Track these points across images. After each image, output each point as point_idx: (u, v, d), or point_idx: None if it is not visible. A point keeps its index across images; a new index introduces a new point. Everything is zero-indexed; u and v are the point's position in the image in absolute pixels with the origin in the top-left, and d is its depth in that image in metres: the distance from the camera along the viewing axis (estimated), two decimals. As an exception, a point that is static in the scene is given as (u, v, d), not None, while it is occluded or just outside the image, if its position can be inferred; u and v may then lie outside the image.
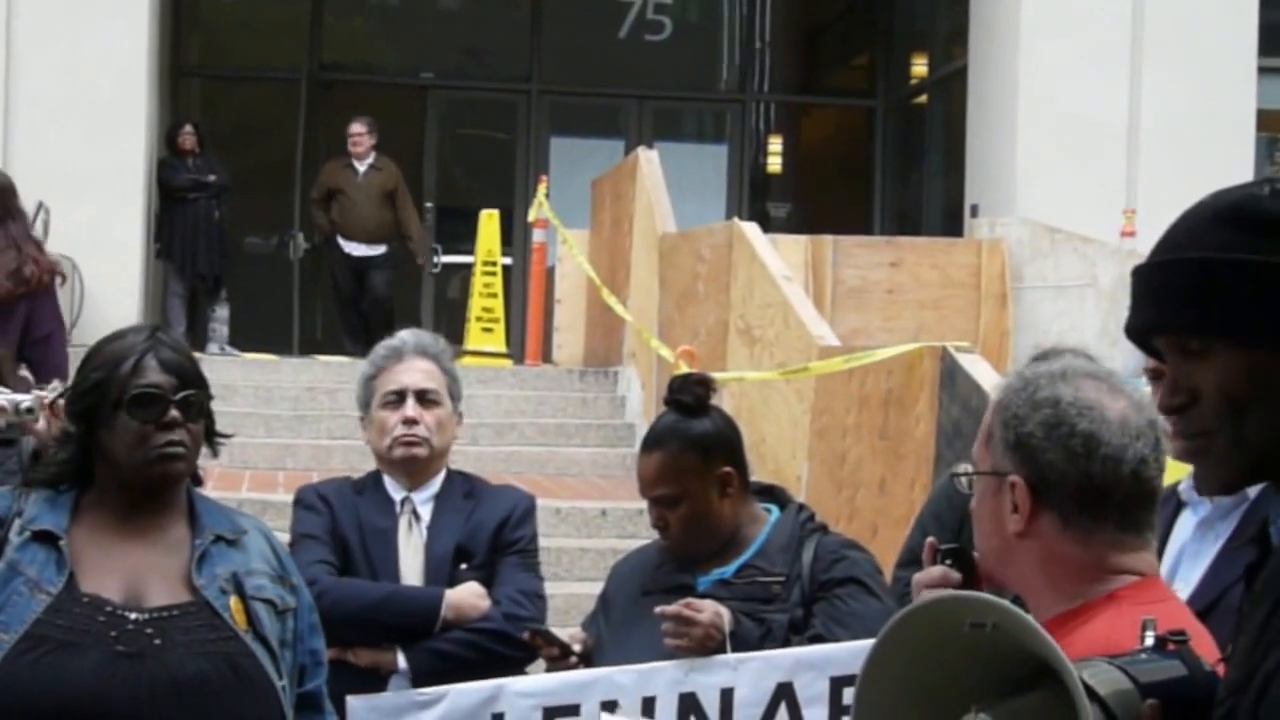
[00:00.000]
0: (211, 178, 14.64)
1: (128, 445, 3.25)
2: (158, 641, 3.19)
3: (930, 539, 2.66)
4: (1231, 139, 14.00)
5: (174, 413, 3.25)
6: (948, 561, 2.57)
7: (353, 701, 3.81)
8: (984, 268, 13.31)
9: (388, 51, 19.33)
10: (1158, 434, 2.51)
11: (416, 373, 4.53)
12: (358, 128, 14.76)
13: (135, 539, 3.30)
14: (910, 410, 7.94)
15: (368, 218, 14.73)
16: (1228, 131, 14.03)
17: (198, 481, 3.52)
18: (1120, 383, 2.58)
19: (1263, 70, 14.36)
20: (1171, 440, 2.22)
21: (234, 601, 3.29)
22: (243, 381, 12.00)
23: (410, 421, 4.47)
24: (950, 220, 16.12)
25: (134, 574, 3.27)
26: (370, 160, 14.73)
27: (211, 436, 3.40)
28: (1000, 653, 1.96)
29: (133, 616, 3.21)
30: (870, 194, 18.90)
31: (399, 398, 4.50)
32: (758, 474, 4.91)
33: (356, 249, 14.85)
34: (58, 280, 7.47)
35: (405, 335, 4.67)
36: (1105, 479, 2.45)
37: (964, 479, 2.60)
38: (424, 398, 4.50)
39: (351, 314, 15.11)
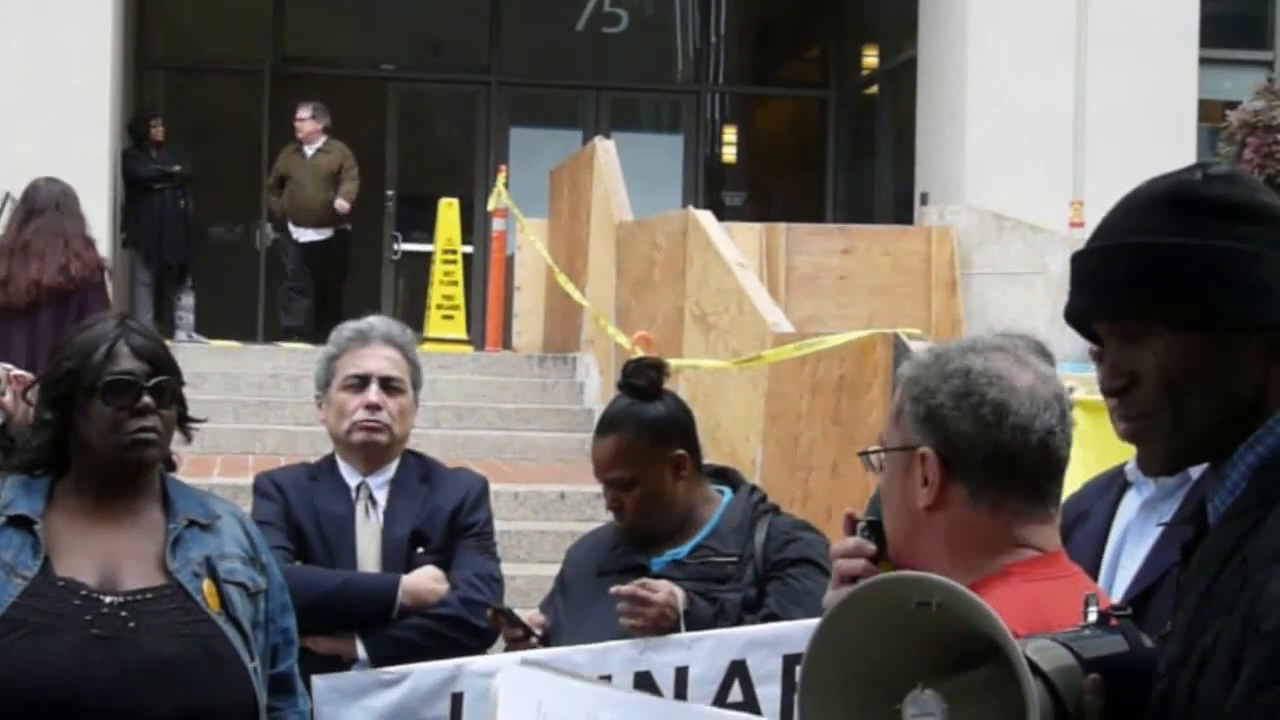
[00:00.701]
0: (177, 168, 14.76)
1: (101, 431, 3.26)
2: (132, 625, 3.20)
3: (848, 510, 2.69)
4: (1175, 130, 14.10)
5: (147, 399, 3.27)
6: (865, 533, 2.58)
7: (318, 681, 3.81)
8: (934, 255, 13.44)
9: (349, 44, 19.38)
10: (1064, 406, 2.53)
11: (382, 359, 4.47)
12: (302, 112, 14.66)
13: (110, 523, 3.31)
14: (863, 396, 7.90)
15: (313, 201, 14.57)
16: (1171, 122, 14.13)
17: (171, 466, 3.52)
18: (1026, 354, 2.58)
19: (1204, 61, 14.53)
20: (1114, 422, 2.18)
21: (207, 585, 3.30)
22: (209, 368, 11.98)
23: (373, 407, 4.41)
24: (901, 208, 16.23)
25: (109, 558, 3.28)
26: (319, 144, 14.60)
27: (184, 422, 3.43)
28: (946, 630, 1.95)
29: (108, 600, 3.22)
30: (823, 183, 19.07)
31: (361, 382, 4.44)
32: (713, 458, 5.00)
33: (304, 234, 14.73)
34: (106, 275, 8.16)
35: (374, 321, 4.61)
36: (1014, 447, 2.46)
37: (873, 458, 2.59)
38: (388, 384, 4.44)
39: (298, 301, 14.94)
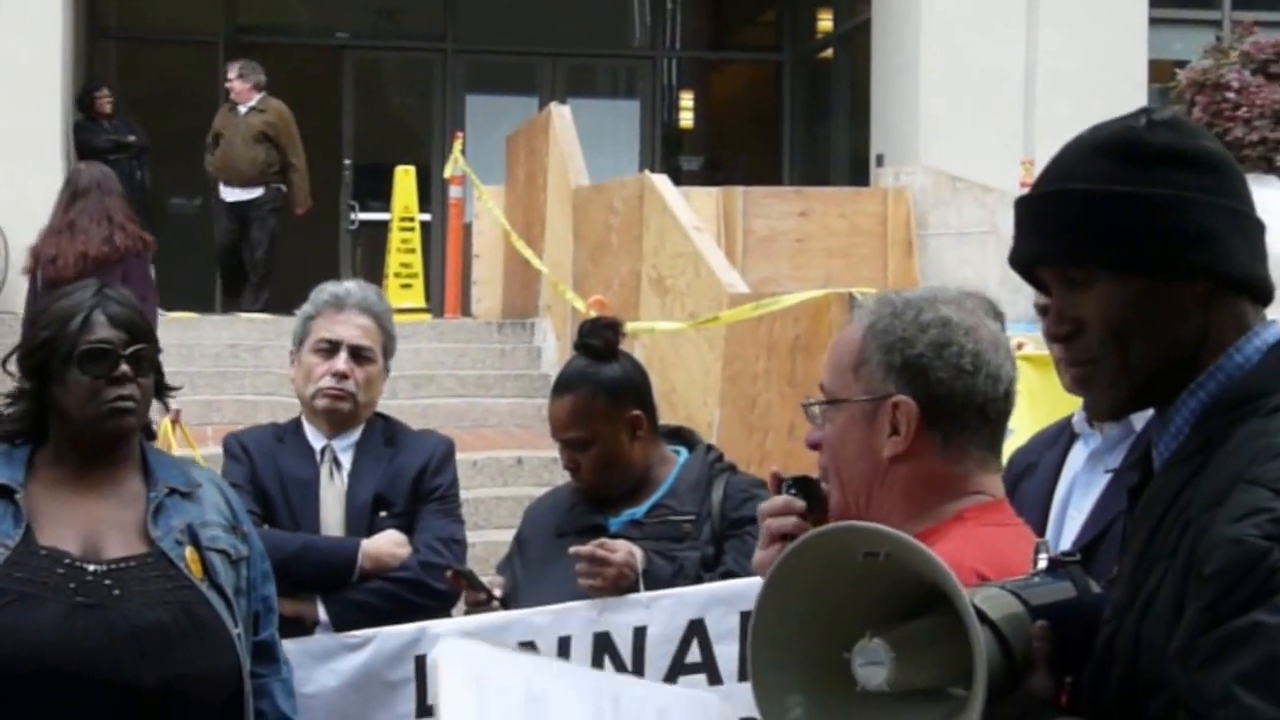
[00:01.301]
0: (131, 138, 14.68)
1: (79, 400, 3.26)
2: (116, 592, 3.20)
3: (774, 468, 2.69)
4: (1125, 90, 14.11)
5: (124, 367, 3.27)
6: (793, 490, 2.60)
7: (286, 644, 3.75)
8: (890, 216, 13.53)
9: (303, 13, 19.31)
10: (1013, 359, 2.59)
11: (354, 327, 4.45)
12: (230, 72, 14.33)
13: (90, 492, 3.31)
14: (818, 356, 7.69)
15: (240, 159, 14.06)
16: (1121, 82, 14.16)
17: (150, 435, 3.52)
18: (975, 307, 2.61)
19: (1154, 22, 14.61)
20: (1061, 370, 2.24)
21: (189, 552, 3.30)
22: (166, 340, 11.91)
23: (340, 375, 4.40)
24: (857, 170, 16.29)
25: (91, 526, 3.27)
26: (253, 103, 14.12)
27: (162, 390, 3.44)
28: (895, 581, 1.95)
29: (91, 568, 3.21)
30: (779, 146, 19.10)
31: (332, 348, 4.42)
32: (670, 421, 4.96)
33: (232, 194, 14.24)
34: (148, 248, 8.81)
35: (351, 287, 4.59)
36: (987, 396, 2.50)
37: (816, 410, 2.59)
38: (357, 353, 4.43)
39: (227, 265, 14.58)
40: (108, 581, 3.21)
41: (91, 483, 3.32)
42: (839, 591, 1.98)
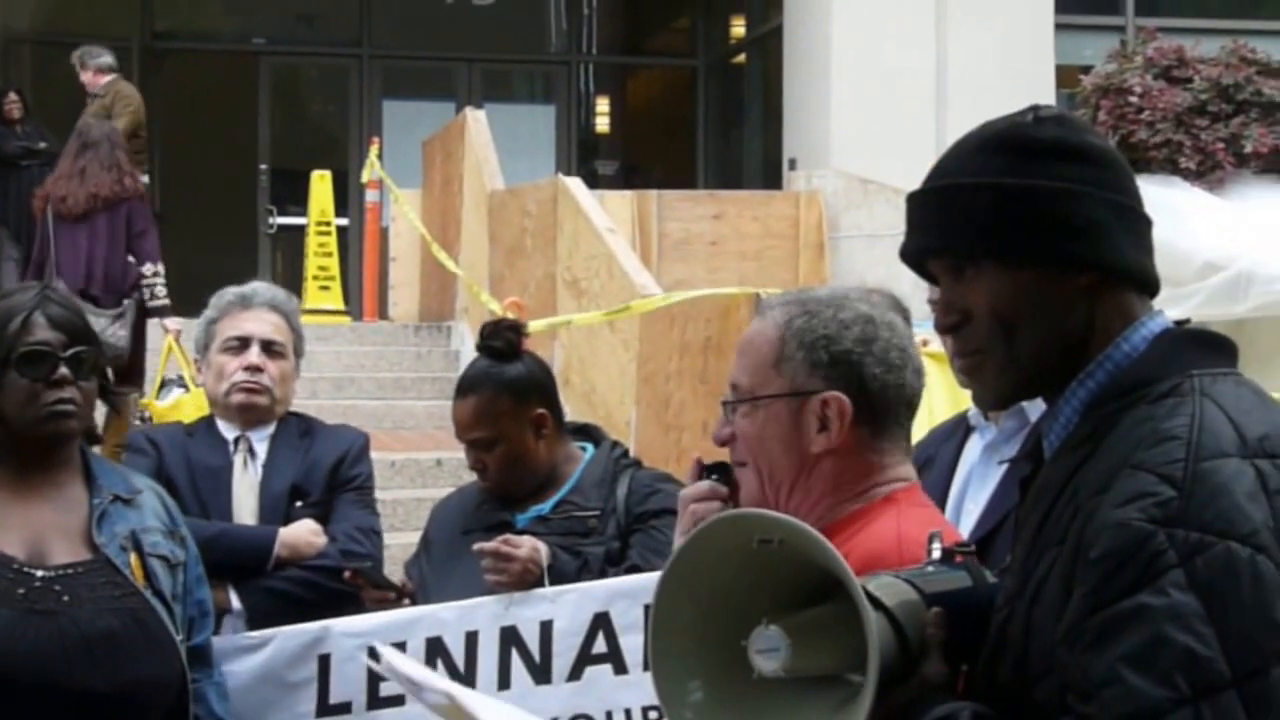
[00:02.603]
0: (43, 145, 14.56)
1: (18, 403, 3.19)
2: (66, 598, 3.16)
3: (696, 455, 2.75)
4: (1033, 93, 14.09)
5: (63, 370, 3.20)
6: (714, 476, 2.64)
7: None
8: (802, 219, 13.56)
9: (220, 19, 19.19)
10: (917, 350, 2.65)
11: (265, 323, 4.41)
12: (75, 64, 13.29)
13: (33, 497, 3.26)
14: (728, 356, 7.74)
15: None
16: (1029, 87, 14.07)
17: (93, 440, 3.49)
18: (880, 304, 2.66)
19: (1061, 27, 14.72)
20: (951, 361, 2.23)
21: (133, 559, 3.27)
22: None
23: (254, 369, 4.36)
24: (770, 174, 16.31)
25: (35, 532, 3.23)
26: (98, 89, 13.02)
27: (106, 393, 3.38)
28: (790, 567, 1.95)
29: (39, 574, 3.17)
30: (694, 150, 19.16)
31: (242, 344, 4.38)
32: (590, 420, 5.05)
33: None
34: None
35: (258, 286, 4.53)
36: (915, 389, 2.57)
37: (735, 408, 2.60)
38: (270, 348, 4.39)
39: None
40: (57, 587, 3.18)
41: (33, 486, 3.27)
42: (739, 579, 1.99)
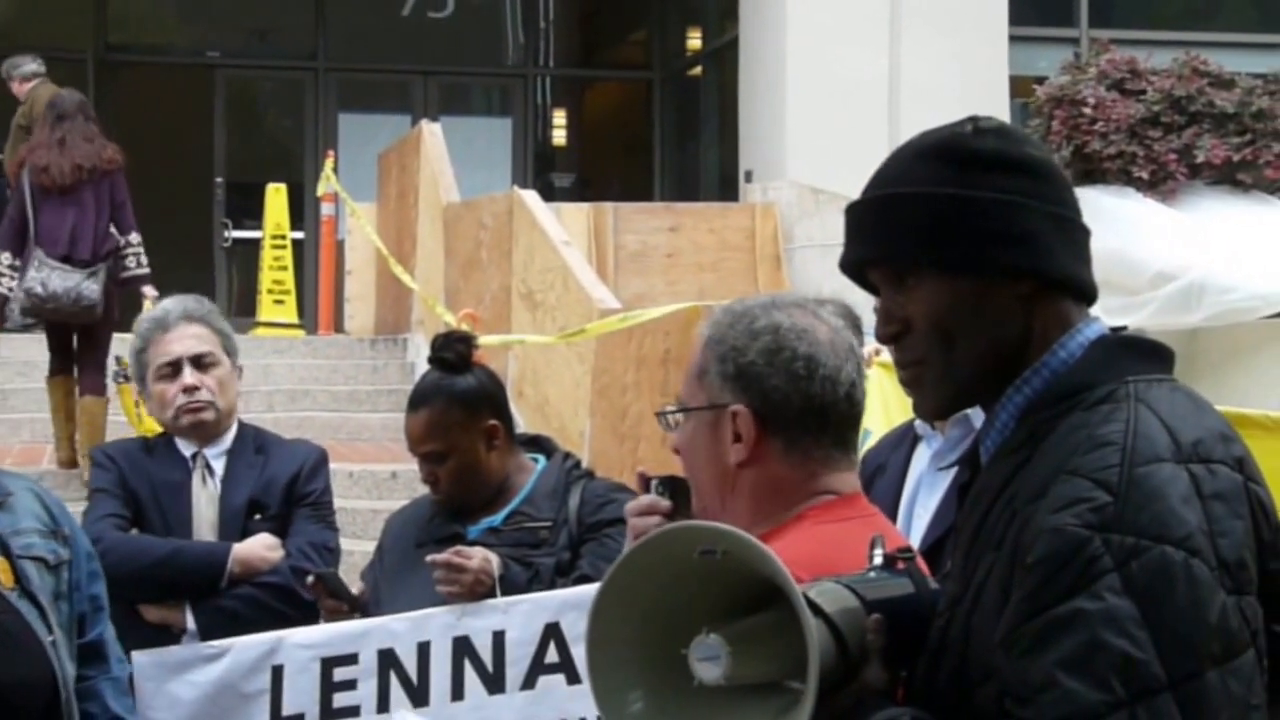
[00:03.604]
0: (-1, 157, 14.51)
1: None
2: None
3: (641, 468, 2.74)
4: (987, 104, 14.27)
5: None
6: (660, 490, 2.64)
7: (138, 657, 3.73)
8: (758, 230, 13.56)
9: (174, 31, 19.12)
10: (858, 358, 2.59)
11: (188, 339, 4.43)
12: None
13: None
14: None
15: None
16: (983, 98, 14.15)
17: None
18: (819, 309, 2.63)
19: (1015, 39, 14.74)
20: (897, 371, 2.23)
21: (0, 562, 3.23)
22: (13, 357, 11.91)
23: (191, 389, 4.40)
24: (727, 186, 16.32)
25: None
26: (22, 96, 12.87)
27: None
28: (732, 578, 1.95)
29: None
30: (650, 163, 19.16)
31: (174, 368, 4.41)
32: (544, 432, 5.07)
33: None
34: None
35: (168, 304, 4.55)
36: (825, 399, 2.51)
37: (671, 418, 2.60)
38: (200, 362, 4.42)
39: None
40: None
41: None
42: (680, 590, 1.99)
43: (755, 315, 2.56)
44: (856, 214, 2.18)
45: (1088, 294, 2.14)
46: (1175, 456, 1.93)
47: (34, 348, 11.77)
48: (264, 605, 4.24)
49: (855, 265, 2.19)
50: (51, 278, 9.48)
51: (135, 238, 9.90)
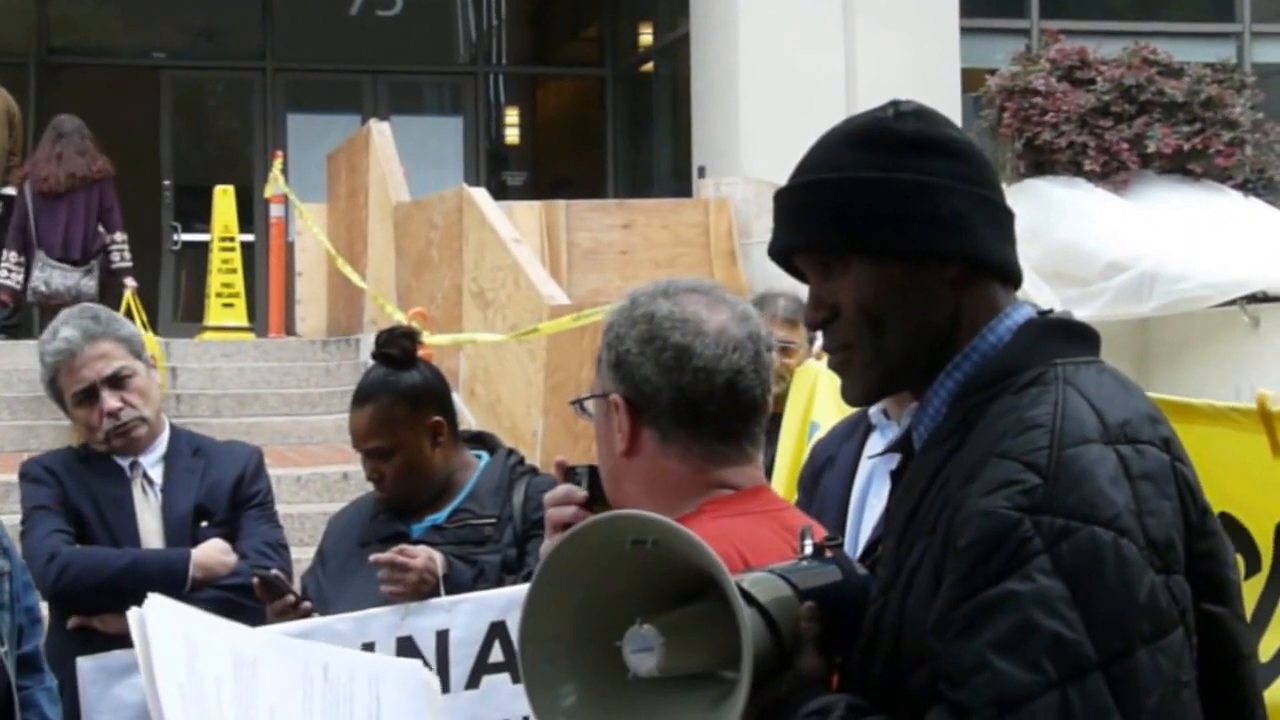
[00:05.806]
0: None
1: None
2: None
3: (560, 458, 2.68)
4: (940, 97, 14.28)
5: None
6: (578, 479, 2.60)
7: (82, 662, 3.69)
8: (712, 226, 13.58)
9: (118, 33, 18.95)
10: (759, 347, 2.55)
11: (96, 362, 4.39)
12: None
13: None
14: None
15: None
16: (936, 90, 14.22)
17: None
18: (724, 295, 2.61)
19: (966, 31, 14.79)
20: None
21: None
22: None
23: (113, 413, 4.38)
24: (681, 182, 16.33)
25: None
26: None
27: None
28: (664, 567, 1.95)
29: None
30: (603, 160, 19.12)
31: (88, 395, 4.39)
32: (495, 431, 5.05)
33: None
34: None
35: (65, 331, 4.45)
36: (698, 391, 2.48)
37: (587, 405, 2.61)
38: (115, 380, 4.40)
39: None
40: None
41: None
42: (613, 581, 1.98)
43: (640, 303, 2.55)
44: (783, 201, 2.18)
45: (1013, 276, 2.14)
46: (1103, 438, 1.93)
47: (5, 356, 11.76)
48: (232, 604, 4.16)
49: (782, 252, 2.19)
50: (53, 276, 11.58)
51: (120, 236, 11.98)
